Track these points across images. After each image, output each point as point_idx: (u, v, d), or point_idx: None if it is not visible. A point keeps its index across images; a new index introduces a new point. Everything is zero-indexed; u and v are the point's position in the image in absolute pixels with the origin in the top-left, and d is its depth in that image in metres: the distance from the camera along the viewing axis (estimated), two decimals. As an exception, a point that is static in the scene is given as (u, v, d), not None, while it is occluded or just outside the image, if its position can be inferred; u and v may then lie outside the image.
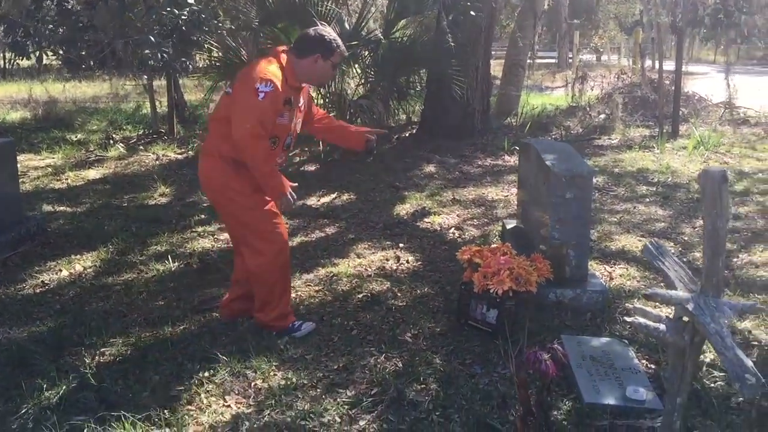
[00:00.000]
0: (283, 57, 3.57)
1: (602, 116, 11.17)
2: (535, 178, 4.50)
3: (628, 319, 2.33)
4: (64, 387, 3.18)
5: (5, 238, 5.05)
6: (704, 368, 3.33)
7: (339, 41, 3.63)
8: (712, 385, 3.20)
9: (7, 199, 5.27)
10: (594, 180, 7.48)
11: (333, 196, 6.90)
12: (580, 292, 4.03)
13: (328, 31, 3.66)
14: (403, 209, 6.42)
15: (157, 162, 8.59)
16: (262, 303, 3.70)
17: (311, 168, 8.35)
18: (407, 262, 4.93)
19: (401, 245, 5.32)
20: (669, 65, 11.71)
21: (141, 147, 9.52)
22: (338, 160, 8.51)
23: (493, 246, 3.97)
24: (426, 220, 6.09)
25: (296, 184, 3.69)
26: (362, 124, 8.75)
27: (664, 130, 9.85)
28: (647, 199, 6.78)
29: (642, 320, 2.25)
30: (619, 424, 2.88)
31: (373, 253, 5.12)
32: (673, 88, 10.47)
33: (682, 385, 2.22)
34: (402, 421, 2.95)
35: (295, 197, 3.57)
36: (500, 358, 3.43)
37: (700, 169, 7.89)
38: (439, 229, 5.83)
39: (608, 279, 4.54)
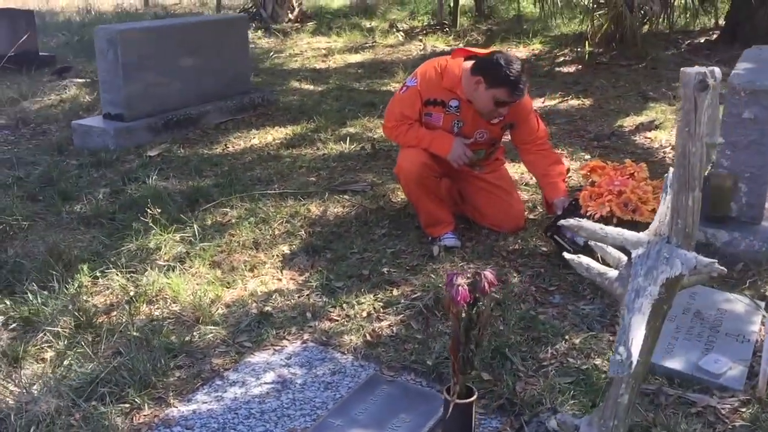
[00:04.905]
0: (459, 61, 3.37)
1: None
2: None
3: (567, 257, 1.82)
4: (171, 231, 3.52)
5: (228, 105, 5.63)
6: None
7: (517, 77, 3.16)
8: None
9: (236, 70, 5.83)
10: None
11: (558, 99, 6.33)
12: (739, 236, 3.22)
13: (511, 61, 3.18)
14: (633, 121, 5.66)
15: (421, 52, 8.70)
16: None
17: (569, 69, 7.72)
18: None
19: (587, 157, 4.75)
20: None
21: (420, 37, 9.69)
22: (605, 63, 7.75)
23: (622, 165, 3.32)
24: (648, 134, 5.31)
25: (469, 140, 3.44)
26: (635, 23, 7.79)
27: None
28: None
29: (585, 261, 1.74)
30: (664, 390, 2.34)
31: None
32: None
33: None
34: (421, 331, 2.75)
35: (462, 153, 3.37)
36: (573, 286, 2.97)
37: None
38: (656, 146, 5.06)
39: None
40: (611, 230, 1.64)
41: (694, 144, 1.48)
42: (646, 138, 5.24)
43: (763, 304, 2.87)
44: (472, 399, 2.00)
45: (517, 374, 2.49)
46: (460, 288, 1.80)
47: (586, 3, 8.44)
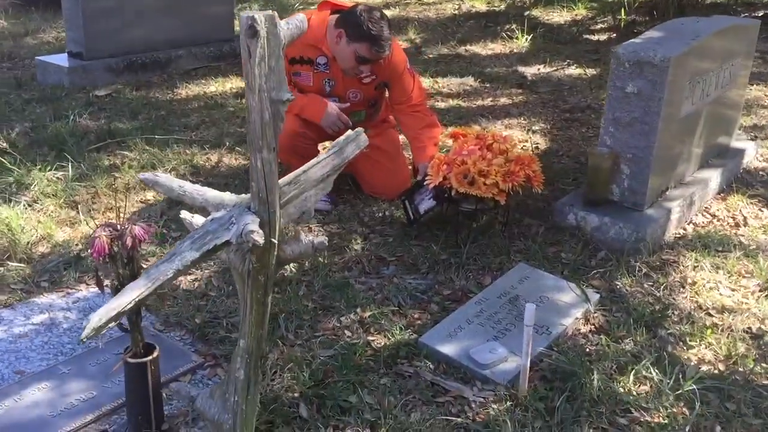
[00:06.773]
0: (325, 14, 3.13)
1: None
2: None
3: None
4: (54, 169, 3.54)
5: (203, 52, 5.58)
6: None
7: (378, 32, 2.95)
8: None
9: (218, 16, 5.75)
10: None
11: (555, 67, 5.90)
12: (609, 222, 2.89)
13: (374, 14, 2.96)
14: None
15: (454, 12, 8.37)
16: None
17: (600, 37, 7.19)
18: (537, 143, 4.12)
19: (536, 127, 4.42)
20: None
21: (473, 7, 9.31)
22: (641, 33, 7.17)
23: (491, 134, 3.01)
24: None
25: (345, 105, 3.23)
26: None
27: None
28: None
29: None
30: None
31: (510, 128, 4.38)
32: None
33: (244, 324, 1.52)
34: (218, 289, 2.63)
35: (336, 119, 3.15)
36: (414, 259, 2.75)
37: None
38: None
39: (708, 222, 3.17)
40: (191, 188, 1.47)
41: (254, 98, 1.28)
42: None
43: (597, 297, 2.56)
44: (146, 359, 1.88)
45: (282, 342, 2.34)
46: (96, 240, 1.68)
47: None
